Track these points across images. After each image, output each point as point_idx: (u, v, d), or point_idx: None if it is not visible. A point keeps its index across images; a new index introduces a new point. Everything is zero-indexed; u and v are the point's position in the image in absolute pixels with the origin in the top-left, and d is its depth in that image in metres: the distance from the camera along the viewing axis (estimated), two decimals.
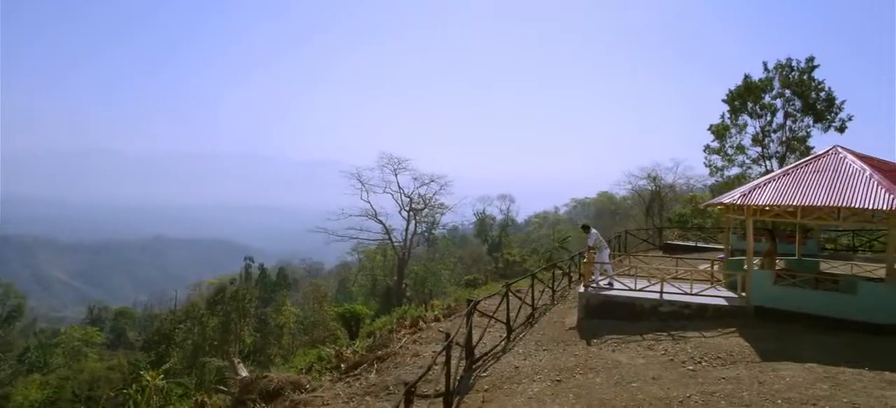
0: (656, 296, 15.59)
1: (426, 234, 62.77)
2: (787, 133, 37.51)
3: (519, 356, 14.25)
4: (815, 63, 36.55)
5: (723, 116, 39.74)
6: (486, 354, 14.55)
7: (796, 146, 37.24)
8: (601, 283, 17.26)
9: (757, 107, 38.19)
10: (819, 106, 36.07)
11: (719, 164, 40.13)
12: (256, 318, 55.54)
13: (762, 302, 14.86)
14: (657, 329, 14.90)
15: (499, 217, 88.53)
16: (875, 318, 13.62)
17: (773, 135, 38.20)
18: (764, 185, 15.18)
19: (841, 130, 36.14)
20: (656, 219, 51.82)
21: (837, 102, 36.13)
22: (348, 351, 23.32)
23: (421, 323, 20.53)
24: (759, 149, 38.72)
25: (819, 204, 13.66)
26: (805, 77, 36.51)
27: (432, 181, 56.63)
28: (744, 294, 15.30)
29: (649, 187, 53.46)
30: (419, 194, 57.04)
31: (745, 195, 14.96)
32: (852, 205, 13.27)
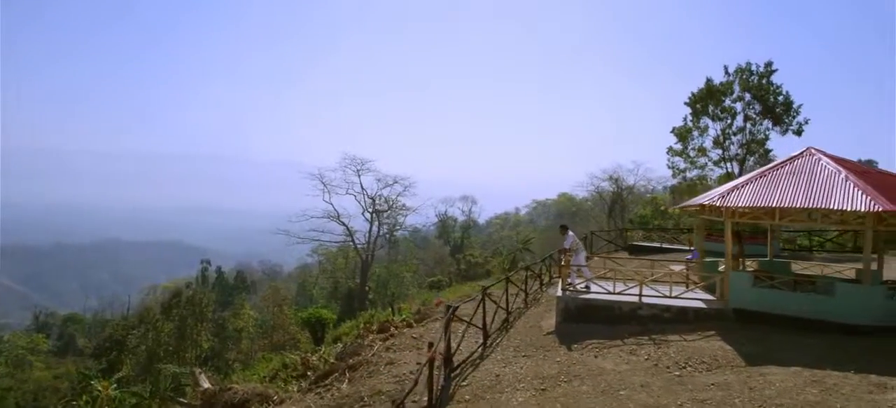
0: (635, 299, 15.25)
1: (388, 236, 61.82)
2: (747, 136, 37.99)
3: (498, 363, 13.70)
4: (774, 67, 37.18)
5: (685, 119, 40.10)
6: (463, 361, 13.96)
7: (755, 149, 37.76)
8: (578, 286, 16.84)
9: (718, 110, 38.60)
10: (777, 109, 36.61)
11: (682, 165, 40.47)
12: (214, 322, 53.91)
13: (741, 304, 14.66)
14: (637, 333, 14.55)
15: (461, 219, 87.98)
16: (852, 319, 13.54)
17: (733, 137, 38.68)
18: (742, 186, 14.99)
19: (798, 133, 36.81)
20: (618, 220, 52.05)
21: (795, 105, 36.76)
22: (314, 357, 22.49)
23: (392, 330, 19.75)
24: (720, 151, 39.13)
25: (800, 206, 13.49)
26: (764, 81, 37.05)
27: (396, 182, 55.87)
28: (723, 297, 15.06)
29: (611, 189, 53.66)
30: (382, 196, 56.15)
31: (723, 196, 14.73)
32: (832, 207, 13.15)
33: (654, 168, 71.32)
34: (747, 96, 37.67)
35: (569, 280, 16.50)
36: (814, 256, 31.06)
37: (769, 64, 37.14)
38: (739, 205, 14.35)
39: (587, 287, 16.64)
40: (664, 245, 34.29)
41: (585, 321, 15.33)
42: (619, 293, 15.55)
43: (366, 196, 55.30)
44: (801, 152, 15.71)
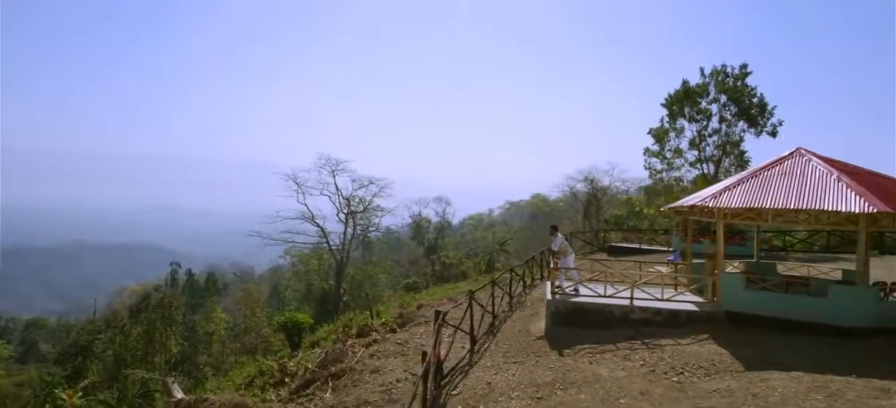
0: (627, 302, 14.84)
1: (361, 237, 60.86)
2: (723, 137, 38.12)
3: (488, 370, 13.15)
4: (748, 70, 37.33)
5: (662, 120, 40.11)
6: (452, 369, 13.37)
7: (730, 150, 37.90)
8: (566, 288, 16.38)
9: (693, 112, 38.67)
10: (752, 111, 36.77)
11: (658, 167, 40.46)
12: (184, 326, 52.60)
13: (733, 307, 14.36)
14: (629, 337, 14.15)
15: (434, 220, 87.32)
16: (845, 321, 13.32)
17: (708, 139, 38.78)
18: (734, 187, 14.69)
19: (773, 134, 37.05)
20: (593, 221, 51.99)
21: (769, 107, 36.97)
22: (292, 363, 21.71)
23: (374, 334, 19.08)
24: (696, 152, 39.21)
25: (794, 207, 13.20)
26: (739, 83, 37.19)
27: (371, 183, 55.00)
28: (715, 299, 14.74)
29: (586, 190, 53.59)
30: (358, 197, 55.24)
31: (716, 197, 14.39)
32: (827, 208, 12.91)
33: (628, 169, 71.82)
34: (723, 98, 37.79)
35: (557, 283, 16.01)
36: (789, 257, 31.19)
37: (744, 66, 37.36)
38: (732, 206, 14.01)
39: (576, 290, 16.19)
40: (643, 246, 34.15)
41: (576, 325, 14.88)
42: (610, 296, 15.12)
43: (341, 197, 54.38)
44: (791, 153, 15.49)
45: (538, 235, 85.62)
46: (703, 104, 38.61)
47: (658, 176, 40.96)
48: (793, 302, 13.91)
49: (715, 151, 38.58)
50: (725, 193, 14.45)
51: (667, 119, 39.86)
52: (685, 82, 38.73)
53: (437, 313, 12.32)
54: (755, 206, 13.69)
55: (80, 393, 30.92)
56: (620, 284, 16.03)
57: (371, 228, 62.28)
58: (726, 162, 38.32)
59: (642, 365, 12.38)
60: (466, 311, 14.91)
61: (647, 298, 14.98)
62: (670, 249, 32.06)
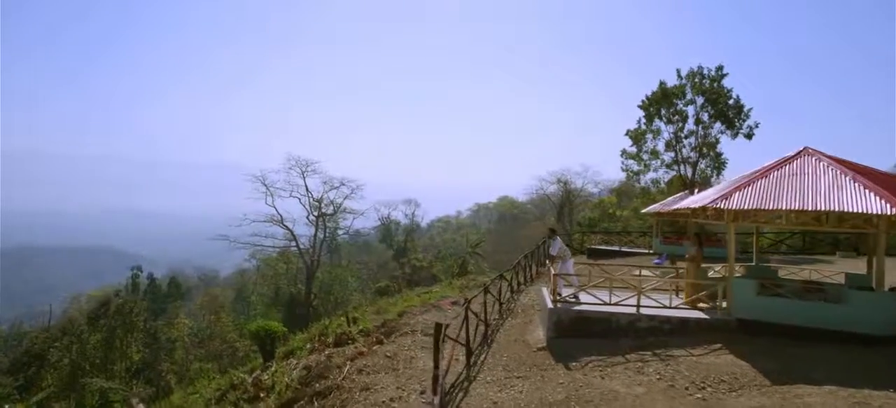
0: (632, 311, 13.79)
1: (329, 239, 59.07)
2: (699, 139, 37.71)
3: (491, 387, 11.96)
4: (725, 71, 37.01)
5: (639, 122, 39.54)
6: (452, 385, 12.12)
7: (707, 152, 37.51)
8: (565, 295, 15.27)
9: (670, 113, 38.19)
10: (729, 113, 36.42)
11: (635, 168, 39.85)
12: (145, 332, 50.25)
13: (745, 314, 13.46)
14: (638, 347, 13.12)
15: (404, 222, 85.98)
16: (866, 328, 12.53)
17: (685, 140, 38.33)
18: (742, 187, 13.78)
19: (748, 136, 36.72)
20: (567, 223, 51.29)
21: (745, 109, 36.67)
22: (266, 376, 20.22)
23: (356, 345, 17.70)
24: (672, 154, 38.74)
25: (813, 209, 12.33)
26: (715, 85, 36.81)
27: (342, 184, 53.34)
28: (725, 306, 13.80)
29: (559, 191, 52.89)
30: (329, 198, 53.51)
31: (726, 198, 13.45)
32: (847, 210, 12.02)
33: (602, 171, 71.62)
34: (699, 100, 37.39)
35: (559, 291, 14.87)
36: (771, 259, 30.73)
37: (720, 68, 37.03)
38: (745, 207, 13.08)
39: (575, 297, 15.09)
40: (624, 248, 33.41)
41: (579, 335, 13.79)
42: (615, 304, 14.05)
43: (311, 199, 52.56)
44: (798, 153, 14.69)
45: (506, 237, 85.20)
46: (680, 106, 38.14)
47: (635, 177, 40.36)
48: (808, 309, 13.06)
49: (691, 153, 38.15)
50: (736, 195, 13.52)
51: (643, 121, 39.32)
52: (662, 84, 38.24)
53: (439, 326, 11.05)
54: (772, 207, 12.78)
55: (34, 405, 28.91)
56: (624, 290, 14.96)
57: (340, 231, 60.50)
58: (703, 164, 37.94)
59: (659, 379, 11.34)
60: (463, 322, 13.62)
61: (656, 306, 13.96)
62: (651, 251, 31.42)
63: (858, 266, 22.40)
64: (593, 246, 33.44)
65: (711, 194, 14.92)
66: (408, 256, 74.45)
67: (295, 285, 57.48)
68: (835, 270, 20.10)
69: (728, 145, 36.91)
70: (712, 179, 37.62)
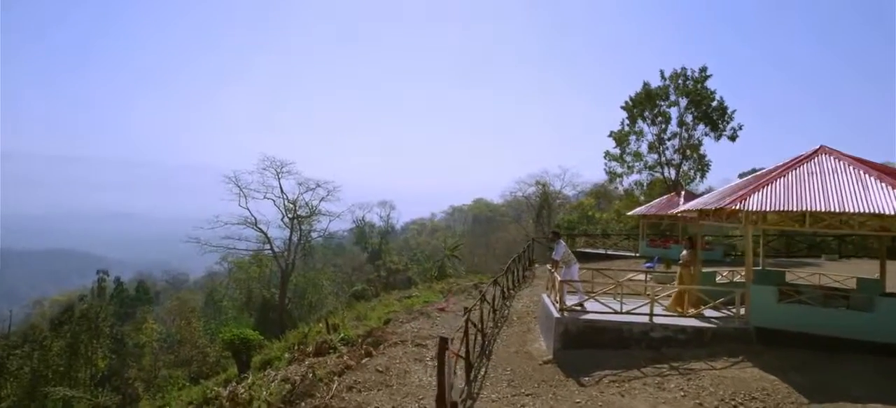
0: (645, 319, 12.72)
1: (303, 241, 57.22)
2: (682, 141, 37.07)
3: (496, 405, 10.75)
4: (708, 73, 36.41)
5: (622, 123, 38.77)
6: (454, 404, 10.86)
7: (691, 154, 36.90)
8: (570, 303, 14.12)
9: (653, 114, 37.50)
10: (712, 114, 35.87)
11: (619, 170, 39.04)
12: (112, 338, 48.32)
13: (764, 322, 12.48)
14: (653, 359, 12.05)
15: (379, 224, 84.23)
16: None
17: (668, 142, 37.67)
18: (759, 187, 12.81)
19: (732, 138, 36.21)
20: (545, 226, 50.37)
21: (729, 111, 36.16)
22: (242, 389, 18.67)
23: (343, 358, 16.31)
24: (656, 156, 38.05)
25: (841, 211, 11.40)
26: (699, 86, 36.23)
27: (318, 186, 51.56)
28: (743, 313, 12.81)
29: (537, 194, 51.97)
30: (304, 200, 51.70)
31: (743, 199, 12.45)
32: (877, 212, 11.12)
33: (580, 173, 70.91)
34: (682, 101, 36.78)
35: (571, 301, 13.66)
36: (758, 263, 30.13)
37: (704, 69, 36.42)
38: (767, 209, 12.11)
39: (581, 305, 13.94)
40: (609, 251, 32.52)
41: (588, 346, 12.66)
42: (627, 313, 12.96)
43: (286, 201, 50.71)
44: (815, 151, 13.80)
45: (481, 239, 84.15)
46: (663, 107, 37.47)
47: (618, 179, 39.60)
48: (833, 317, 12.13)
49: (675, 155, 37.50)
50: (754, 196, 12.54)
51: (627, 122, 38.56)
52: (646, 85, 37.52)
53: (444, 341, 9.77)
54: (796, 208, 11.81)
55: None
56: (634, 297, 13.86)
57: (313, 233, 58.63)
58: (686, 166, 37.34)
59: (683, 396, 10.26)
60: (464, 335, 12.36)
61: (671, 314, 12.91)
62: (637, 255, 30.60)
63: (854, 270, 21.80)
64: (577, 249, 32.45)
65: (717, 197, 13.94)
66: (383, 259, 72.87)
67: (268, 289, 55.64)
68: (835, 274, 19.32)
69: (711, 147, 36.54)
70: (696, 182, 37.10)
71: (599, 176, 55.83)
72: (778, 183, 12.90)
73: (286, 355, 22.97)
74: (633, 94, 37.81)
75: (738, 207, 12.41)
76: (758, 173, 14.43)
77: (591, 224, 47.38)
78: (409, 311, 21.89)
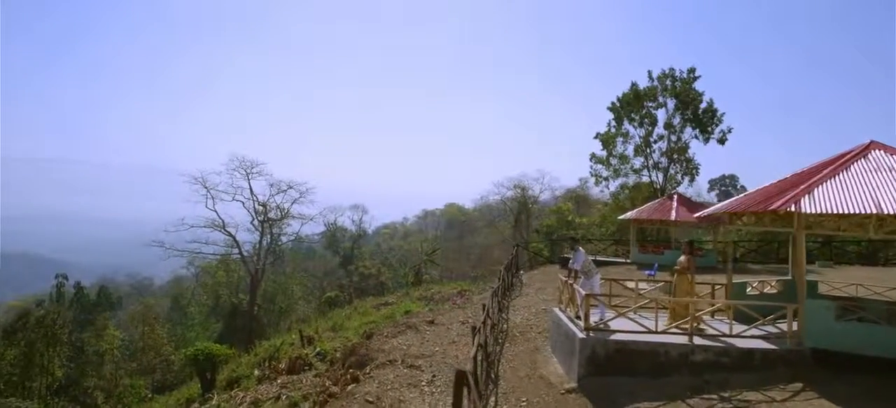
0: (684, 339, 10.69)
1: (273, 245, 54.27)
2: (671, 144, 35.48)
3: None
4: (697, 74, 34.93)
5: (609, 124, 37.03)
6: None
7: (679, 157, 35.33)
8: (593, 321, 12.01)
9: (641, 116, 35.84)
10: (701, 116, 34.37)
11: (604, 173, 37.28)
12: (70, 345, 45.37)
13: (821, 343, 10.58)
14: (696, 388, 10.03)
15: (351, 228, 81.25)
16: None
17: (654, 145, 36.05)
18: (810, 187, 10.88)
19: (722, 141, 34.77)
20: (524, 231, 48.47)
21: (719, 113, 34.70)
22: None
23: (326, 383, 13.95)
24: (642, 159, 36.35)
25: None
26: (687, 87, 34.69)
27: (290, 188, 48.72)
28: (794, 331, 10.87)
29: (517, 197, 50.02)
30: (275, 203, 48.80)
31: (795, 199, 10.53)
32: None
33: (558, 177, 69.20)
34: (670, 103, 35.23)
35: (594, 318, 11.49)
36: (748, 267, 28.54)
37: (692, 70, 34.94)
38: (826, 211, 10.20)
39: (605, 323, 11.80)
40: (599, 258, 30.58)
41: (618, 372, 10.58)
42: (663, 332, 10.91)
43: (256, 203, 47.76)
44: (866, 146, 12.00)
45: (455, 244, 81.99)
46: (650, 108, 35.85)
47: (604, 182, 37.84)
48: None
49: (661, 158, 35.88)
50: (806, 197, 10.63)
51: (613, 123, 36.83)
52: (634, 85, 35.85)
53: (461, 375, 7.53)
54: (861, 211, 9.92)
55: None
56: (655, 311, 11.74)
57: (283, 237, 55.71)
58: (673, 169, 35.77)
59: None
60: (476, 356, 10.14)
61: (715, 333, 10.90)
62: (628, 261, 28.77)
63: (870, 277, 20.23)
64: (566, 255, 30.43)
65: (751, 199, 12.00)
66: (355, 264, 70.22)
67: (236, 295, 52.66)
68: (844, 281, 17.61)
69: (699, 150, 35.16)
70: (683, 185, 35.57)
71: (574, 181, 54.39)
72: (831, 183, 11.03)
73: (256, 372, 20.49)
74: (620, 95, 36.12)
75: (791, 210, 10.46)
76: (798, 173, 12.55)
77: (571, 229, 45.62)
78: (394, 323, 19.50)
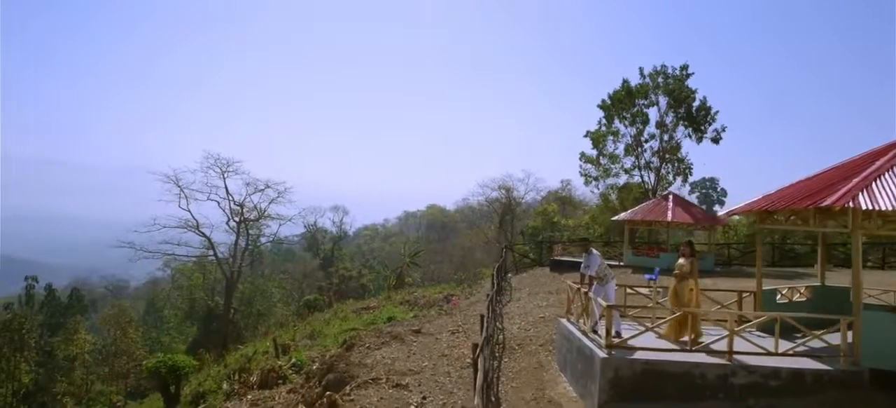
0: (722, 358, 8.87)
1: (250, 247, 51.82)
2: (661, 143, 33.90)
3: None
4: (690, 71, 33.41)
5: (599, 122, 35.33)
6: None
7: (671, 157, 33.77)
8: (601, 330, 10.16)
9: (632, 114, 34.22)
10: (695, 114, 32.85)
11: (594, 173, 35.55)
12: (39, 350, 43.46)
13: (881, 363, 8.86)
14: None
15: (331, 230, 78.90)
16: None
17: (645, 145, 34.46)
18: (867, 179, 9.17)
19: (715, 140, 33.28)
20: (509, 232, 46.69)
21: (712, 111, 33.19)
22: None
23: (292, 388, 11.90)
24: (632, 159, 34.72)
25: None
26: (680, 84, 33.15)
27: (268, 187, 46.28)
28: (848, 347, 9.10)
29: (502, 198, 48.26)
30: (252, 202, 46.34)
31: (851, 194, 8.79)
32: None
33: (543, 178, 67.40)
34: (662, 101, 33.68)
35: (615, 330, 9.55)
36: (742, 271, 26.94)
37: (685, 67, 33.48)
38: (888, 208, 8.47)
39: (617, 333, 9.90)
40: None
41: (647, 398, 8.74)
42: (698, 349, 9.07)
43: (232, 202, 45.28)
44: None
45: (437, 246, 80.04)
46: (642, 106, 34.25)
47: (594, 182, 36.14)
48: None
49: (653, 158, 34.29)
50: (863, 192, 8.90)
51: (604, 122, 35.14)
52: (626, 82, 34.19)
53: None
54: None
55: None
56: (688, 324, 9.87)
57: (262, 238, 53.28)
58: (664, 169, 34.20)
59: None
60: (477, 376, 8.20)
61: (759, 352, 9.08)
62: (621, 263, 27.02)
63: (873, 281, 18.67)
64: (556, 257, 28.66)
65: (797, 193, 10.24)
66: (335, 266, 67.98)
67: (213, 297, 50.22)
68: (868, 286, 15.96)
69: (691, 149, 33.48)
70: (675, 186, 34.01)
71: (558, 183, 52.87)
72: (888, 176, 9.32)
73: (224, 386, 18.37)
74: (611, 92, 34.47)
75: (851, 205, 8.70)
76: (839, 165, 10.83)
77: (557, 230, 43.98)
78: (377, 332, 17.42)
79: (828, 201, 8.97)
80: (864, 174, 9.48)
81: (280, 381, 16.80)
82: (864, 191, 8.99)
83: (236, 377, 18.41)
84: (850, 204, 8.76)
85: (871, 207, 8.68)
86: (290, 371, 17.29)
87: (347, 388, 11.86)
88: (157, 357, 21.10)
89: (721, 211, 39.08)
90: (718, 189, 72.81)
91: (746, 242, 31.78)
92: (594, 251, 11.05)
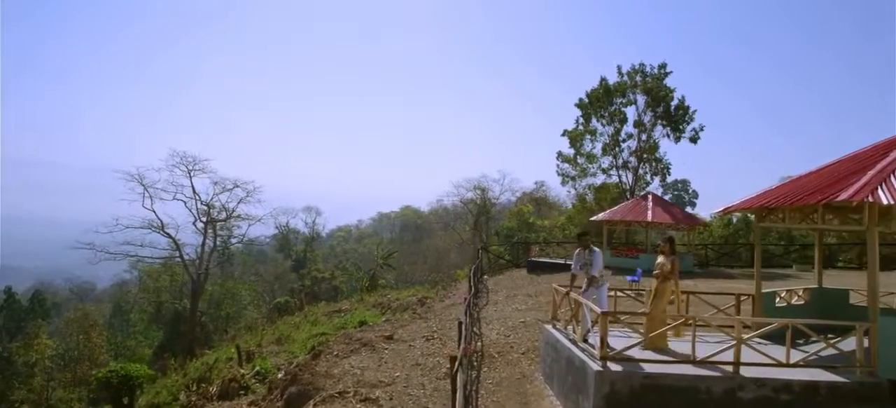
0: (728, 370, 7.86)
1: (221, 249, 49.92)
2: (641, 142, 33.17)
3: None
4: (668, 70, 32.76)
5: (577, 121, 34.45)
6: None
7: (649, 156, 33.06)
8: (578, 333, 9.07)
9: (610, 112, 33.43)
10: (674, 114, 32.19)
11: (571, 173, 34.66)
12: None
13: None
14: None
15: (304, 231, 76.92)
16: None
17: (622, 144, 33.70)
18: (883, 172, 8.28)
19: (693, 140, 32.66)
20: (484, 233, 45.66)
21: (690, 110, 32.56)
22: None
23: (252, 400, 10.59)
24: (610, 158, 33.93)
25: None
26: (658, 83, 32.48)
27: (236, 186, 44.49)
28: (863, 356, 8.17)
29: (475, 198, 47.22)
30: (220, 202, 44.50)
31: (869, 188, 7.87)
32: None
33: (519, 179, 66.64)
34: (640, 100, 32.97)
35: (593, 338, 8.48)
36: (720, 271, 26.29)
37: (663, 66, 32.82)
38: None
39: (619, 346, 8.79)
40: (567, 261, 27.92)
41: None
42: (702, 362, 8.03)
43: (199, 202, 43.39)
44: None
45: (410, 247, 78.76)
46: (620, 105, 33.49)
47: (571, 182, 35.25)
48: None
49: (631, 157, 33.55)
50: (883, 188, 7.99)
51: (581, 121, 34.28)
52: (603, 80, 33.42)
53: None
54: None
55: None
56: (693, 332, 8.82)
57: (232, 239, 51.45)
58: (642, 169, 33.49)
59: None
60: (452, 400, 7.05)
61: (769, 363, 8.07)
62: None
63: (843, 281, 18.02)
64: (533, 258, 27.68)
65: (804, 188, 9.31)
66: (308, 267, 66.19)
67: (180, 300, 48.22)
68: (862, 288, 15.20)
69: (669, 148, 32.70)
70: (653, 185, 33.35)
71: (532, 184, 52.12)
72: None
73: (182, 396, 16.93)
74: (588, 90, 33.64)
75: (867, 201, 7.77)
76: (846, 158, 9.94)
77: (532, 232, 43.12)
78: (346, 338, 16.11)
79: (843, 196, 8.03)
80: (879, 167, 8.59)
81: (242, 391, 15.46)
82: (883, 185, 8.08)
83: (195, 388, 16.98)
84: (869, 199, 7.83)
85: (892, 203, 7.77)
86: (254, 381, 15.96)
87: (311, 403, 10.59)
88: (108, 367, 19.50)
89: (691, 211, 38.70)
90: (690, 191, 73.03)
91: (722, 243, 31.25)
92: (596, 249, 9.89)
